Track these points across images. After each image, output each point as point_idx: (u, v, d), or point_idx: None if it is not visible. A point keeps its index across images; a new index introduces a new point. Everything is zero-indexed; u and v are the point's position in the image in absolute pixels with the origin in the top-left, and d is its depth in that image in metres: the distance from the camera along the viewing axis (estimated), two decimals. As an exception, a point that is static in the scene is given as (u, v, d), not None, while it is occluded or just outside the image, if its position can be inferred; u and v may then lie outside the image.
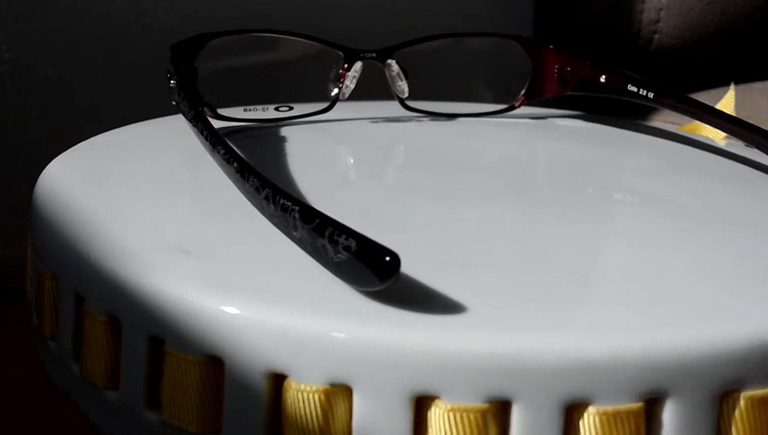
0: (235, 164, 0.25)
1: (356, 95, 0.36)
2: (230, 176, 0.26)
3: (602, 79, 0.37)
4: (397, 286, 0.21)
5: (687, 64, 0.56)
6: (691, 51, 0.56)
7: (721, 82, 0.55)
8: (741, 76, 0.56)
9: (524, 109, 0.39)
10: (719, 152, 0.35)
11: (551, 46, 0.38)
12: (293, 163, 0.32)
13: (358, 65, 0.36)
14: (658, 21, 0.55)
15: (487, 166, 0.33)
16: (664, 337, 0.20)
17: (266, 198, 0.23)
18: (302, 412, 0.20)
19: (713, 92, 0.54)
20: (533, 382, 0.19)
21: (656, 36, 0.55)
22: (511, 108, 0.39)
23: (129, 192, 0.28)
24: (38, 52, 0.44)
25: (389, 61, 0.36)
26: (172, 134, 0.34)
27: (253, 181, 0.24)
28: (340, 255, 0.20)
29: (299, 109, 0.37)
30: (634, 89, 0.35)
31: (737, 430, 0.20)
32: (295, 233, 0.22)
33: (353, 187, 0.31)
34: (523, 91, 0.39)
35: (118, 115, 0.39)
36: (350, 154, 0.35)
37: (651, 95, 0.35)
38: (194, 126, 0.29)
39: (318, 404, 0.20)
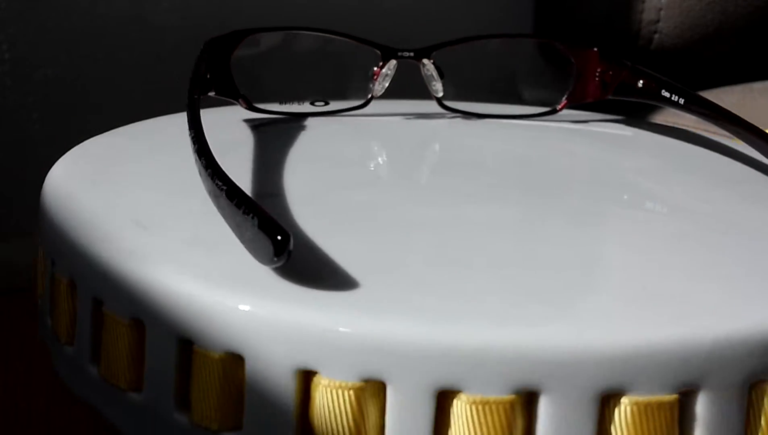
0: (196, 145, 0.26)
1: (399, 93, 0.37)
2: (195, 159, 0.26)
3: (640, 83, 0.36)
4: (429, 283, 0.22)
5: (687, 63, 0.57)
6: (692, 51, 0.56)
7: (721, 81, 0.55)
8: (741, 76, 0.56)
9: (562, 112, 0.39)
10: (726, 153, 0.35)
11: (595, 49, 0.38)
12: (312, 156, 0.32)
13: (392, 63, 0.36)
14: (658, 21, 0.55)
15: (504, 168, 0.33)
16: (697, 329, 0.21)
17: (209, 176, 0.24)
18: (333, 409, 0.21)
19: (714, 92, 0.54)
20: (563, 373, 0.20)
21: (656, 36, 0.55)
22: (553, 111, 0.39)
23: (139, 192, 0.28)
24: (39, 52, 0.44)
25: (424, 60, 0.36)
26: (183, 132, 0.34)
27: (202, 160, 0.25)
28: (248, 232, 0.22)
29: (334, 105, 0.37)
30: (667, 95, 0.35)
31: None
32: (223, 211, 0.23)
33: (366, 182, 0.31)
34: (566, 95, 0.38)
35: (119, 114, 0.39)
36: (372, 151, 0.35)
37: (682, 101, 0.35)
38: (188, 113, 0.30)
39: (350, 401, 0.20)
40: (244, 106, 0.36)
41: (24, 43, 0.43)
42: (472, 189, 0.30)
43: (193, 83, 0.32)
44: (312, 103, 0.38)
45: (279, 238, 0.21)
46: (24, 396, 0.44)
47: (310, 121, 0.37)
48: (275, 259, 0.21)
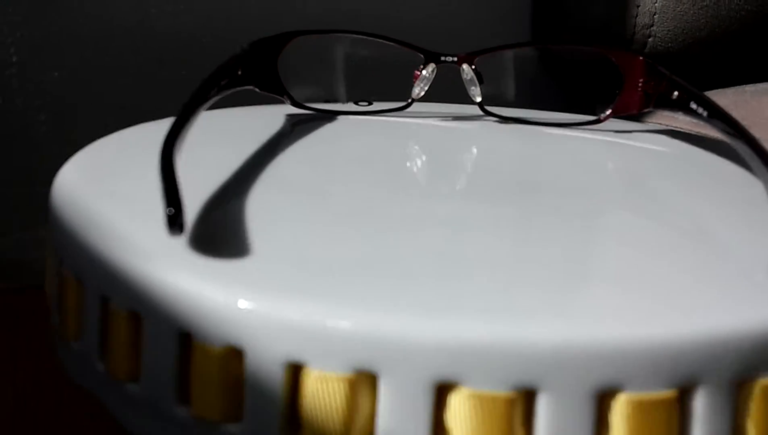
0: (168, 133, 0.27)
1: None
2: None
3: (674, 94, 0.36)
4: (422, 278, 0.22)
5: (680, 66, 0.57)
6: (685, 54, 0.57)
7: (714, 84, 0.56)
8: (734, 79, 0.57)
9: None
10: (731, 156, 0.36)
11: (641, 57, 0.37)
12: (340, 152, 0.33)
13: (432, 67, 0.38)
14: (652, 25, 0.55)
15: (518, 171, 0.33)
16: (692, 326, 0.21)
17: (160, 151, 0.26)
18: (322, 400, 0.21)
19: (707, 94, 0.55)
20: (558, 370, 0.20)
21: (650, 40, 0.56)
22: (596, 121, 0.39)
23: (145, 191, 0.28)
24: (45, 55, 0.44)
25: (463, 65, 0.37)
26: (192, 132, 0.35)
27: (165, 138, 0.26)
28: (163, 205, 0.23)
29: (377, 105, 0.39)
30: (694, 106, 0.35)
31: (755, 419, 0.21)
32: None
33: (378, 179, 0.31)
34: (611, 106, 0.37)
35: (124, 117, 0.39)
36: (399, 151, 0.36)
37: (705, 114, 0.34)
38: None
39: (341, 393, 0.21)
40: (290, 102, 0.38)
41: (31, 46, 0.44)
42: (476, 190, 0.31)
43: (215, 76, 0.33)
44: (356, 103, 0.39)
45: (171, 209, 0.22)
46: (33, 394, 0.45)
47: (349, 120, 0.38)
48: (169, 229, 0.22)
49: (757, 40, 0.60)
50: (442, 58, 0.37)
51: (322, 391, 0.21)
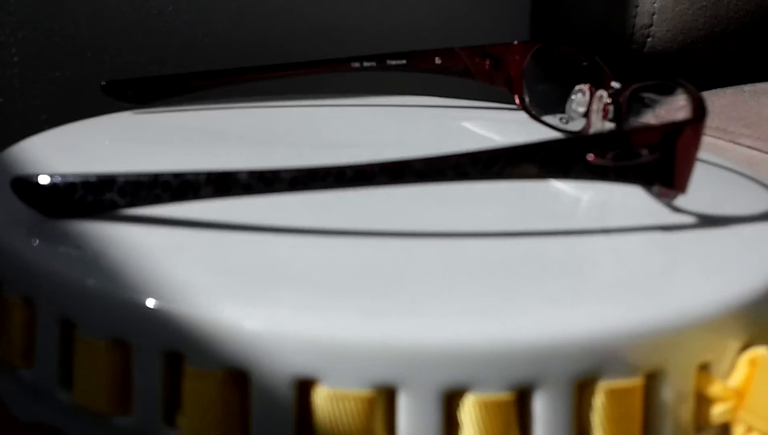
0: None
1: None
2: None
3: None
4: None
5: (679, 66, 0.58)
6: (683, 54, 0.57)
7: (712, 84, 0.56)
8: (732, 79, 0.57)
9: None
10: None
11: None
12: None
13: (596, 94, 0.36)
14: (650, 25, 0.56)
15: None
16: (534, 327, 0.21)
17: None
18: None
19: (705, 94, 0.55)
20: (416, 370, 0.20)
21: (649, 40, 0.56)
22: None
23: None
24: (46, 55, 0.45)
25: (599, 92, 0.36)
26: (131, 128, 0.36)
27: None
28: None
29: (570, 125, 0.40)
30: None
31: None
32: None
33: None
34: None
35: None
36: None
37: None
38: None
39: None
40: (519, 104, 0.41)
41: (32, 46, 0.44)
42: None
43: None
44: (560, 120, 0.40)
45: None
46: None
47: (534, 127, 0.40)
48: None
49: (755, 40, 0.60)
50: (612, 84, 0.36)
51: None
